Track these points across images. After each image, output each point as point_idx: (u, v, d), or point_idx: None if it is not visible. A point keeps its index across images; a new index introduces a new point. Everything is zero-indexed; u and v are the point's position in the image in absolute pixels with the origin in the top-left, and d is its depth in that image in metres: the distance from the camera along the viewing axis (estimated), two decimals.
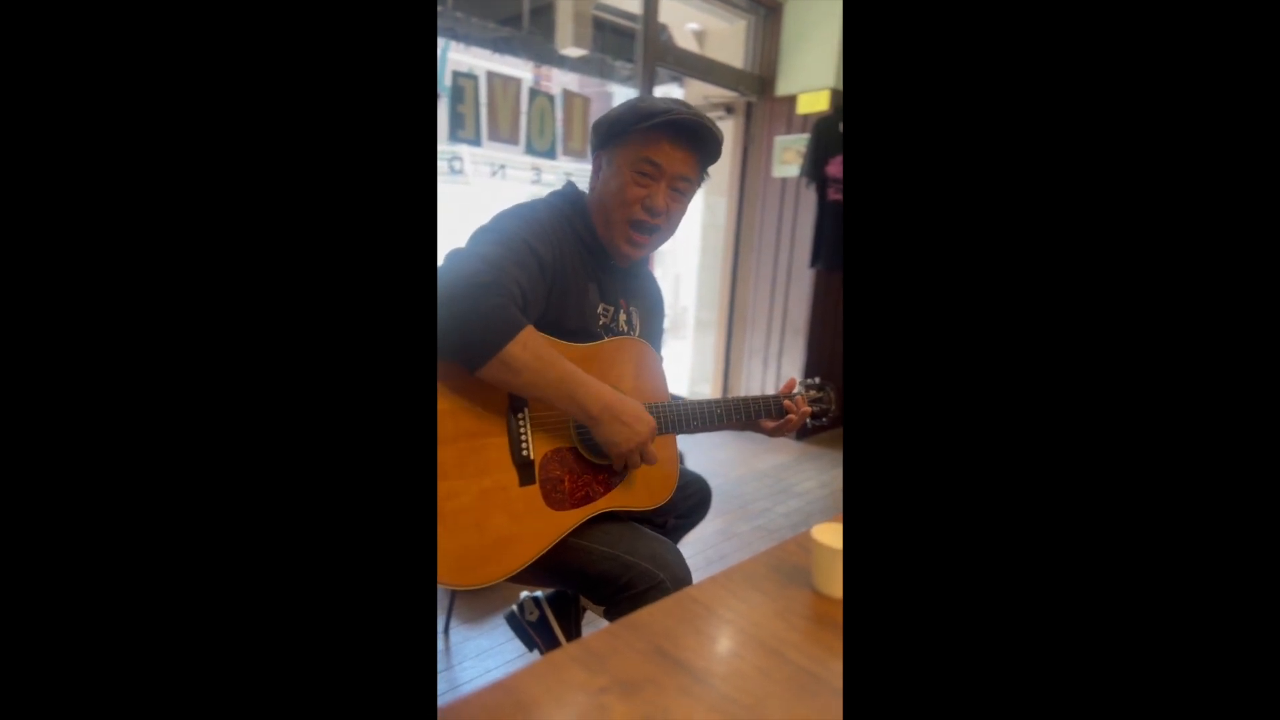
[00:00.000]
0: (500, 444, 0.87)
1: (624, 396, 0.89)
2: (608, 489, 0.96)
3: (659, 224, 0.98)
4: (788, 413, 1.10)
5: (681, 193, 0.99)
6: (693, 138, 0.95)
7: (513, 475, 0.87)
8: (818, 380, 1.17)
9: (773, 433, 1.11)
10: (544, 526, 0.88)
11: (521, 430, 0.89)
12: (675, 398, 1.06)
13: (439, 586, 0.82)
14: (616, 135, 0.96)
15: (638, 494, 0.99)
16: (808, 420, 1.13)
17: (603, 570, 0.91)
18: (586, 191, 1.04)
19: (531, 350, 0.81)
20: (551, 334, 0.91)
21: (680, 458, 1.13)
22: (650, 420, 0.90)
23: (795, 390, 1.13)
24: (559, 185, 1.06)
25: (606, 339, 1.00)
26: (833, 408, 1.16)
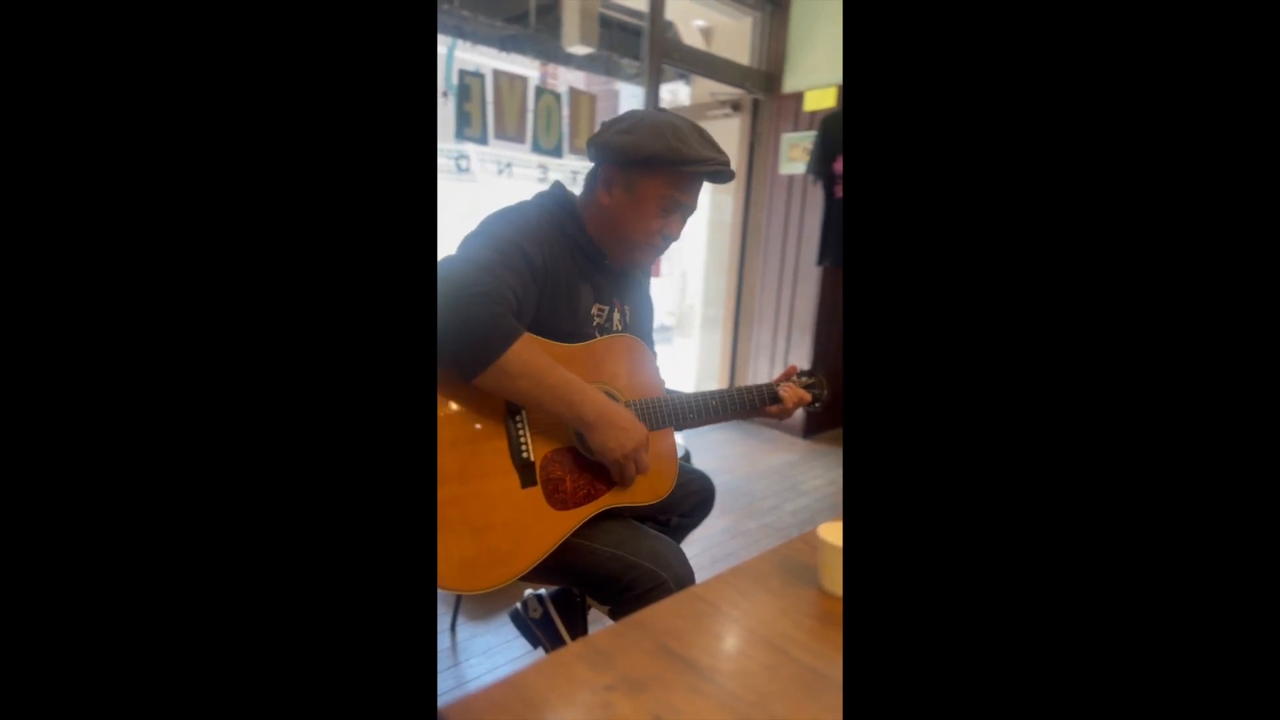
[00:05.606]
0: (500, 447, 0.87)
1: (619, 405, 0.89)
2: (609, 487, 0.96)
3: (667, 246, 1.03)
4: (784, 399, 1.10)
5: (688, 218, 1.03)
6: (718, 180, 1.00)
7: (514, 478, 0.87)
8: (809, 368, 1.20)
9: (775, 415, 1.12)
10: (548, 527, 0.89)
11: (520, 433, 0.89)
12: (671, 393, 1.06)
13: (446, 592, 0.82)
14: (648, 167, 0.94)
15: (639, 490, 0.99)
16: (805, 406, 1.14)
17: (606, 570, 0.91)
18: (576, 193, 1.03)
19: (528, 358, 0.81)
20: (545, 335, 0.90)
21: (686, 455, 1.12)
22: (643, 429, 0.91)
23: (793, 379, 1.15)
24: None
25: (598, 337, 1.00)
26: (825, 392, 1.17)
